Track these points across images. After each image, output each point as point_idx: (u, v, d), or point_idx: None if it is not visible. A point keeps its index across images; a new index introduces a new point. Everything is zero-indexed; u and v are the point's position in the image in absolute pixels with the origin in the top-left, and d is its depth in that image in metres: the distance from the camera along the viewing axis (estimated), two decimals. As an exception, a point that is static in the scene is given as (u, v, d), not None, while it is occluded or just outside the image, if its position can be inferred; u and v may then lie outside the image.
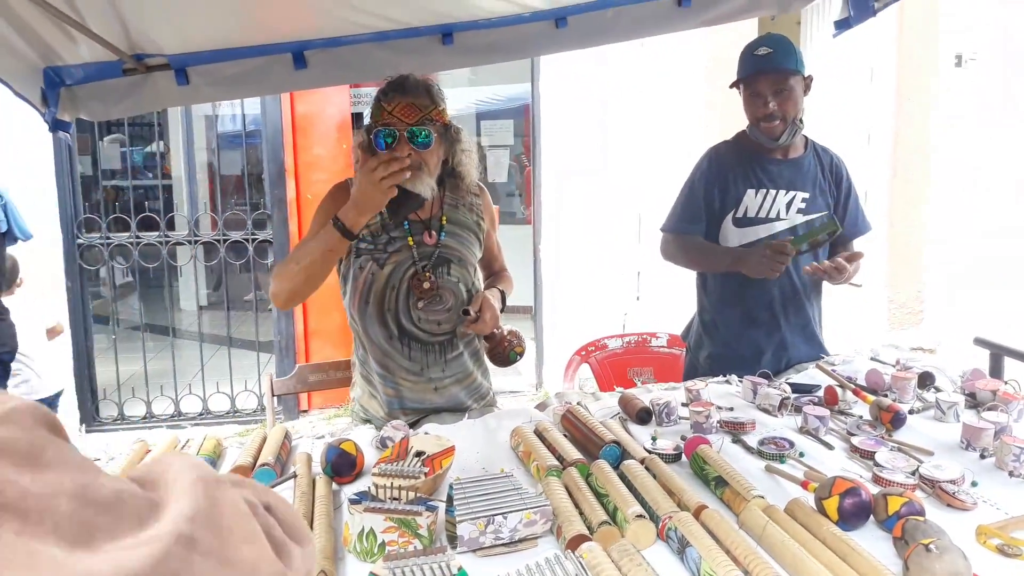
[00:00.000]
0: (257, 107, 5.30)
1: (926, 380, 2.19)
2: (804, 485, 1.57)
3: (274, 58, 2.34)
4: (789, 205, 2.51)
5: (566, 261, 5.58)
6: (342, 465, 1.68)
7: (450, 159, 2.14)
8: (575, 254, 5.56)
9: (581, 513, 1.44)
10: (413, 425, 2.08)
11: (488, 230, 2.31)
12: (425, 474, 1.53)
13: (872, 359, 2.48)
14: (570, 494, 1.52)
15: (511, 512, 1.38)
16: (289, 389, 2.79)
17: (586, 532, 1.36)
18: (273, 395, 2.73)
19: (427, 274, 2.11)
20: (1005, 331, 2.77)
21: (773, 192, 2.50)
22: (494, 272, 2.43)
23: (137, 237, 5.14)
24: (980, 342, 2.50)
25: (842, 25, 2.54)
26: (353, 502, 1.39)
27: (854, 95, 6.03)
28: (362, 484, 1.65)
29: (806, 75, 2.46)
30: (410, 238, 2.13)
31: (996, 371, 2.40)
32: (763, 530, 1.37)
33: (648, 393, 2.22)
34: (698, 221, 2.55)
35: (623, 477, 1.57)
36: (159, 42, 2.23)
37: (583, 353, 3.33)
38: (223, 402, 5.30)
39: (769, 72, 2.41)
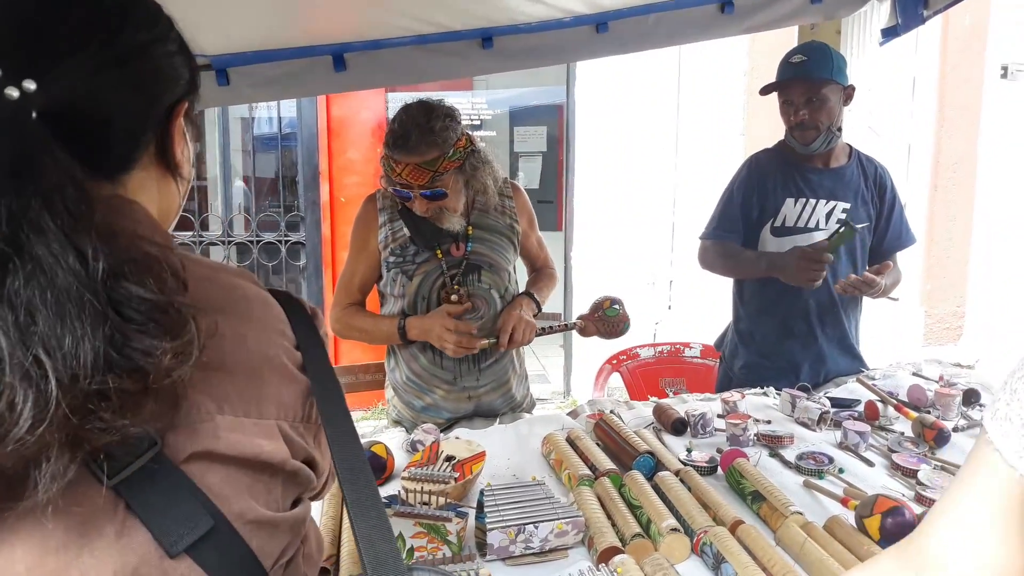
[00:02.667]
0: (293, 110, 5.34)
1: (971, 397, 2.12)
2: (844, 502, 1.53)
3: (314, 60, 2.35)
4: (829, 215, 2.46)
5: (597, 269, 5.53)
6: (372, 468, 1.66)
7: (472, 184, 2.09)
8: (607, 262, 5.52)
9: (614, 524, 1.41)
10: (444, 430, 2.07)
11: (525, 229, 2.28)
12: (455, 479, 1.52)
13: (914, 374, 2.42)
14: (603, 504, 1.49)
15: (543, 521, 1.36)
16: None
17: (619, 544, 1.34)
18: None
19: (455, 287, 2.10)
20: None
21: (813, 202, 2.46)
22: (537, 270, 2.40)
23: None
24: (1027, 360, 2.42)
25: (889, 33, 2.49)
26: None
27: (895, 106, 5.92)
28: (392, 488, 1.64)
29: (846, 85, 2.40)
30: (438, 250, 2.11)
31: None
32: (801, 547, 1.33)
33: (683, 404, 2.19)
34: (735, 229, 2.51)
35: (657, 489, 1.54)
36: (202, 43, 2.25)
37: (614, 362, 3.30)
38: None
39: (801, 80, 2.36)
